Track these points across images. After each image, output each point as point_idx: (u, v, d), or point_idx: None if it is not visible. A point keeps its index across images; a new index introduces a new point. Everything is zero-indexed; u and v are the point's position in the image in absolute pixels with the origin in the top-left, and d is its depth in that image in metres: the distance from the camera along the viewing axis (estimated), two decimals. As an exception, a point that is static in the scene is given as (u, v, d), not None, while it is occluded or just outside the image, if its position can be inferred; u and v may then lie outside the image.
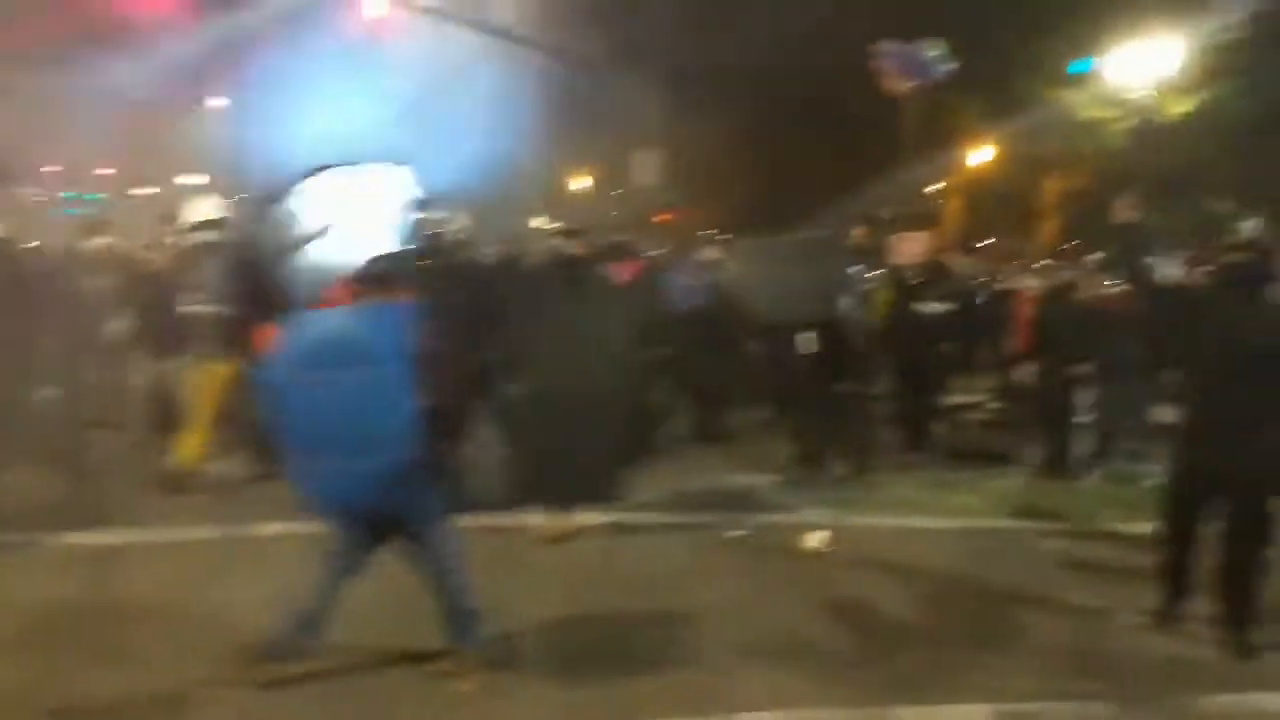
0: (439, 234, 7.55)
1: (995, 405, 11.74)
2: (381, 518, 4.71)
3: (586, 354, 6.60)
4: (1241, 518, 5.37)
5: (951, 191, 28.30)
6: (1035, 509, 7.98)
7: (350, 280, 4.67)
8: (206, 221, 7.87)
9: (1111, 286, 8.26)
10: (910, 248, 10.56)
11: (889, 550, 6.94)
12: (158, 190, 25.54)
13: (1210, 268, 6.29)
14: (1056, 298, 8.83)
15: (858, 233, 10.05)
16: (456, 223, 8.95)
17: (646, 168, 21.27)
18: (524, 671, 4.95)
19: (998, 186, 26.14)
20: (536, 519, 6.94)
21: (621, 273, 9.11)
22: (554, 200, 33.45)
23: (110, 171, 32.89)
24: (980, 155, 26.06)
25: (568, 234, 7.47)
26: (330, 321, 4.57)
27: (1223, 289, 5.70)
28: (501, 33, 19.83)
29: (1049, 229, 25.38)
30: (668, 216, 25.53)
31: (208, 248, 7.76)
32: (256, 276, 5.18)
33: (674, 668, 5.08)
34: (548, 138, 22.53)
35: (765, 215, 22.73)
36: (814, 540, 6.97)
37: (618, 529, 7.18)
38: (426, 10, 18.24)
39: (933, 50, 13.14)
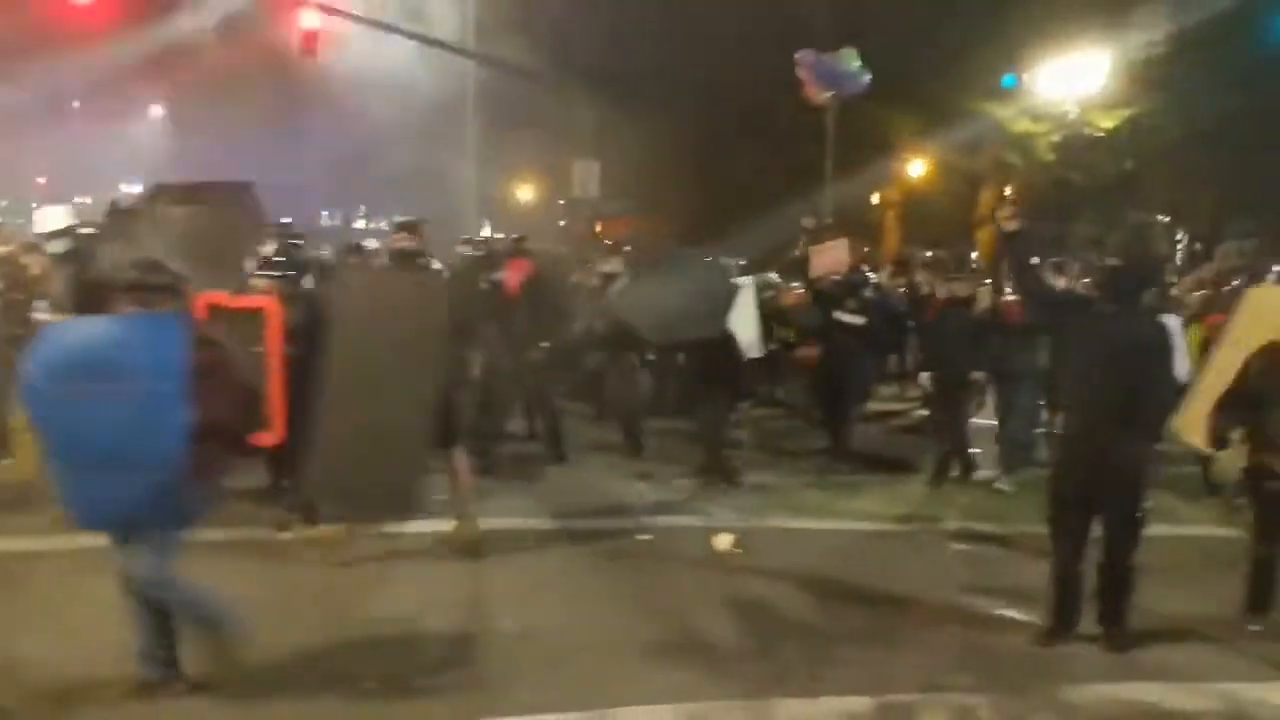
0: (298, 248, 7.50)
1: (919, 412, 12.00)
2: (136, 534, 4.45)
3: (393, 352, 6.09)
4: (1118, 518, 5.56)
5: (887, 204, 28.80)
6: (936, 512, 8.21)
7: (120, 289, 4.53)
8: (55, 231, 7.87)
9: (1008, 296, 8.54)
10: (830, 258, 10.74)
11: (790, 551, 7.14)
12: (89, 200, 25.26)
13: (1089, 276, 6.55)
14: (952, 307, 9.05)
15: (801, 243, 10.22)
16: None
17: (587, 178, 21.40)
18: (423, 666, 5.12)
19: (933, 198, 26.66)
20: (438, 527, 6.98)
21: (514, 275, 9.20)
22: (499, 210, 33.61)
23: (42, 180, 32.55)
24: (915, 167, 26.52)
25: (402, 227, 7.04)
26: (90, 331, 4.37)
27: (1101, 296, 5.89)
28: (441, 43, 19.87)
29: (984, 239, 25.92)
30: (613, 225, 25.69)
31: (60, 257, 7.77)
32: (94, 286, 5.23)
33: (568, 663, 5.23)
34: (490, 148, 22.62)
35: (706, 224, 23.02)
36: (721, 543, 7.14)
37: (526, 534, 7.32)
38: (364, 21, 18.22)
39: (851, 62, 13.38)
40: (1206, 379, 6.05)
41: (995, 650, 5.60)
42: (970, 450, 9.09)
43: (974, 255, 22.28)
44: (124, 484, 4.24)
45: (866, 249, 28.00)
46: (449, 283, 8.48)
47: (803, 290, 11.07)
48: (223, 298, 6.55)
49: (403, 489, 6.13)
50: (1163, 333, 5.66)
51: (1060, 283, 8.00)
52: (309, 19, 17.71)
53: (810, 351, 10.27)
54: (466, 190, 21.70)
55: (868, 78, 13.35)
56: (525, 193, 33.09)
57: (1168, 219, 32.87)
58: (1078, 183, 22.71)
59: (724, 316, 8.49)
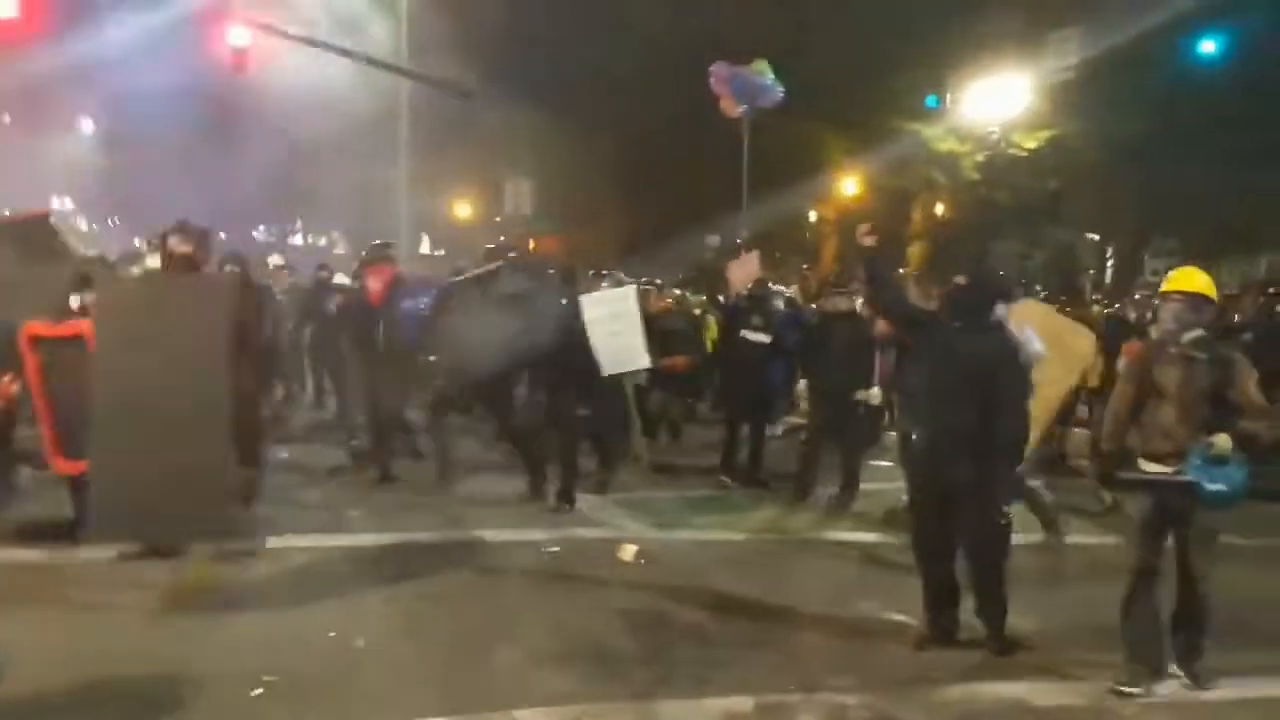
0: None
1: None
2: None
3: (168, 364, 5.72)
4: (974, 530, 5.69)
5: (824, 221, 29.27)
6: (831, 523, 8.45)
7: None
8: None
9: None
10: (745, 270, 10.85)
11: (690, 562, 7.32)
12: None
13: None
14: (837, 320, 9.21)
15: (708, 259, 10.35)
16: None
17: (519, 195, 21.49)
18: (311, 673, 5.15)
19: (867, 216, 27.10)
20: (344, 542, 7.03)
21: (375, 282, 9.15)
22: (440, 226, 33.61)
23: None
24: (848, 185, 27.00)
25: (175, 230, 6.57)
26: None
27: (948, 313, 6.04)
28: (375, 60, 19.82)
29: (916, 255, 26.44)
30: (546, 242, 25.85)
31: None
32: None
33: (457, 669, 5.33)
34: (427, 164, 22.60)
35: (637, 241, 23.25)
36: (623, 554, 7.29)
37: (431, 543, 7.41)
38: (293, 38, 18.10)
39: (765, 73, 13.44)
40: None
41: (877, 652, 5.76)
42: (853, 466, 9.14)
43: (902, 271, 22.74)
44: None
45: (806, 266, 28.53)
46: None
47: (670, 299, 11.21)
48: (42, 327, 6.47)
49: (201, 509, 5.81)
50: (1011, 349, 5.71)
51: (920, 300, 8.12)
52: (238, 36, 17.57)
53: (676, 360, 10.44)
54: (401, 206, 21.63)
55: (782, 90, 13.41)
56: (464, 209, 33.13)
57: (1096, 237, 33.81)
58: (1004, 201, 23.24)
59: (557, 337, 8.41)
